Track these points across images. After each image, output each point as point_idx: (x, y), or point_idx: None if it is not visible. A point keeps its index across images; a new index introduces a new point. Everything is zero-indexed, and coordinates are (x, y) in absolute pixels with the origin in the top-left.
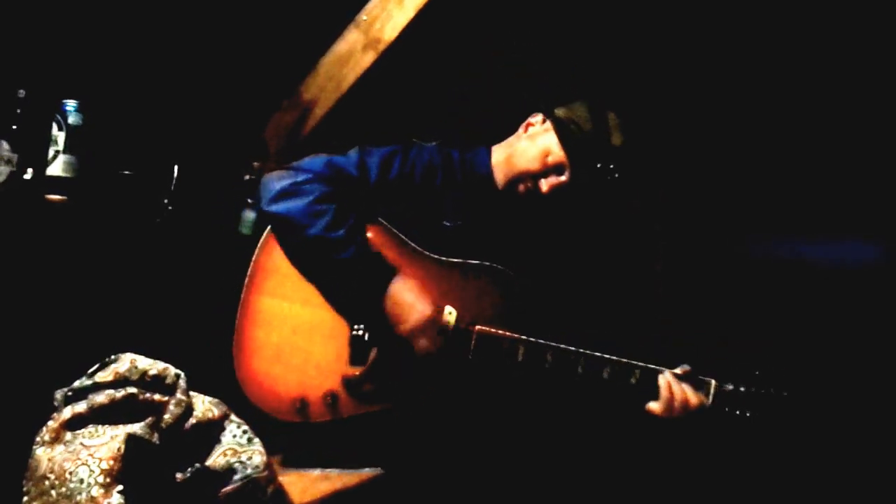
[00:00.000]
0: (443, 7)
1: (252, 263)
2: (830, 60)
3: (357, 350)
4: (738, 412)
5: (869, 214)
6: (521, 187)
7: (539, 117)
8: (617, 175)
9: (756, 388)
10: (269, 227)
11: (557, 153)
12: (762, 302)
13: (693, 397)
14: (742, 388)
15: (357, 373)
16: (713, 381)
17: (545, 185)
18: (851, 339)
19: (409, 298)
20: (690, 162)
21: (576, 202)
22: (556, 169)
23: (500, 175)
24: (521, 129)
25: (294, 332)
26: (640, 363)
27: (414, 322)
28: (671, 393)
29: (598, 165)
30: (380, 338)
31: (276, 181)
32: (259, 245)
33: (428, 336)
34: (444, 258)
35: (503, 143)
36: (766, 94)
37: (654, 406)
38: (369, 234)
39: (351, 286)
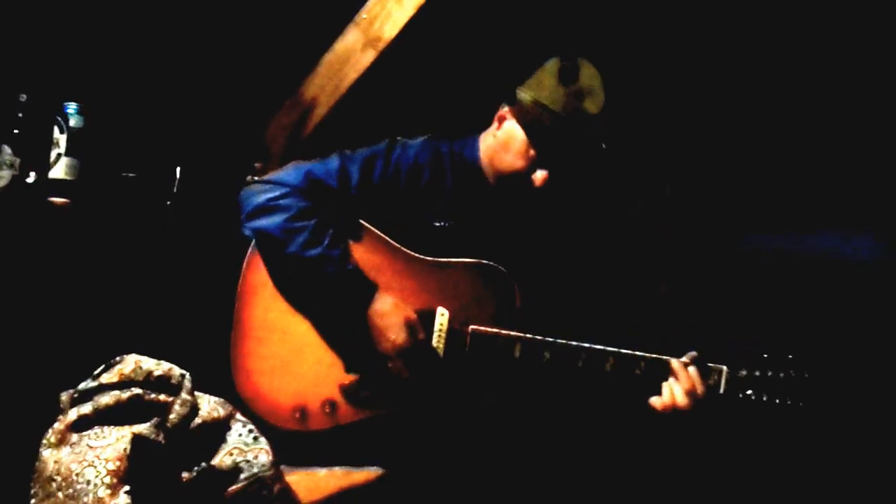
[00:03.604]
0: (442, 4)
1: (240, 280)
2: (836, 60)
3: (352, 357)
4: (753, 398)
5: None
6: (515, 185)
7: (507, 108)
8: (604, 145)
9: (773, 372)
10: (252, 243)
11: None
12: (767, 299)
13: (700, 386)
14: (757, 373)
15: (353, 379)
16: (724, 368)
17: (538, 179)
18: (857, 338)
19: (383, 323)
20: (696, 158)
21: (575, 188)
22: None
23: (487, 169)
24: (494, 124)
25: (288, 342)
26: (645, 353)
27: (385, 348)
28: (679, 381)
29: (579, 146)
30: (367, 349)
31: (254, 196)
32: (245, 261)
33: (398, 362)
34: (435, 259)
35: (485, 134)
36: (770, 93)
37: (658, 400)
38: (354, 242)
39: (329, 304)
